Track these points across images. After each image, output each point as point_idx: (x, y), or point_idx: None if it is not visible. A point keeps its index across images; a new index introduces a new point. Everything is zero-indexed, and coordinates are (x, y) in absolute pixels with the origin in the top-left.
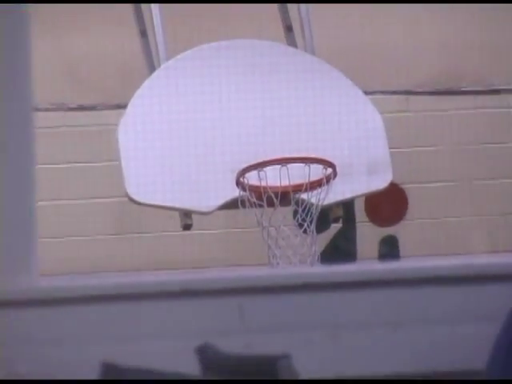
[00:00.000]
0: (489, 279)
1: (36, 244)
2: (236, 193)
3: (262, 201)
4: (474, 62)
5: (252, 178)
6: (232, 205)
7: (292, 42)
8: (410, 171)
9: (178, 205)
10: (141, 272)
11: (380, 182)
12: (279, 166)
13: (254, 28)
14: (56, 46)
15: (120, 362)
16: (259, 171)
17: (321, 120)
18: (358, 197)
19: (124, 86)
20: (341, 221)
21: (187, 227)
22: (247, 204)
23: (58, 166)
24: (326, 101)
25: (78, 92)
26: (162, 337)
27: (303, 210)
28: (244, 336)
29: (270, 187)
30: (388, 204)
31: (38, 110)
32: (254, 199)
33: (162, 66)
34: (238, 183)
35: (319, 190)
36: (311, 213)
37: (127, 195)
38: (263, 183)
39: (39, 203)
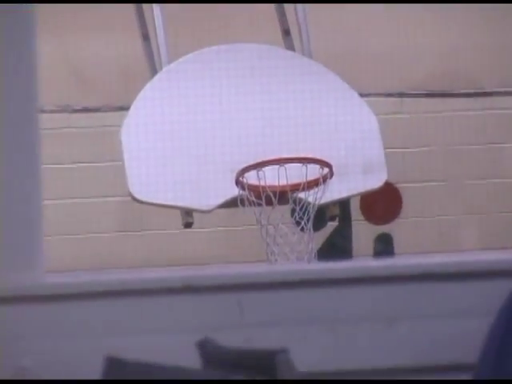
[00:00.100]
0: (479, 275)
1: (42, 242)
2: (235, 192)
3: (261, 200)
4: (467, 65)
5: (251, 178)
6: (232, 203)
7: (290, 46)
8: (404, 171)
9: (179, 203)
10: (143, 268)
11: (375, 182)
12: (277, 166)
13: (253, 32)
14: (61, 50)
15: (123, 356)
16: (258, 171)
17: (318, 121)
18: (353, 196)
19: (127, 89)
20: (337, 219)
21: (188, 225)
22: (246, 203)
23: (63, 166)
24: (322, 103)
25: (82, 94)
26: (164, 331)
27: (301, 209)
28: (243, 331)
29: (269, 186)
30: (383, 203)
31: (43, 111)
32: (253, 198)
33: (164, 69)
34: (238, 183)
35: (316, 189)
36: (308, 211)
37: (130, 194)
38: (262, 183)
39: (45, 202)
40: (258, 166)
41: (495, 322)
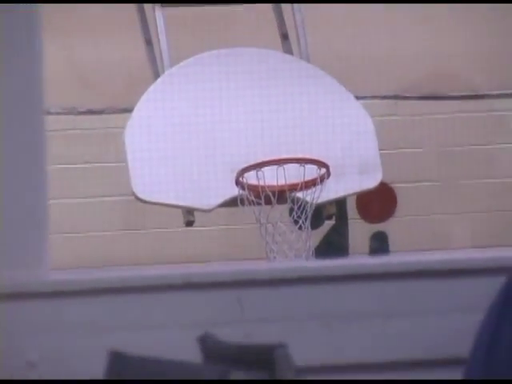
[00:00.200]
0: (471, 272)
1: (47, 240)
2: (235, 191)
3: (260, 199)
4: (460, 68)
5: (251, 178)
6: (232, 203)
7: (288, 50)
8: (399, 171)
9: (181, 203)
10: (145, 266)
11: (371, 182)
12: (276, 167)
13: (252, 37)
14: (67, 54)
15: (126, 351)
16: (257, 171)
17: (315, 123)
18: (349, 195)
19: (130, 92)
20: (334, 218)
21: (190, 224)
22: (246, 202)
23: (68, 167)
24: (320, 105)
25: (87, 97)
26: (166, 327)
27: (299, 208)
28: (243, 326)
29: (268, 186)
30: (378, 202)
31: (49, 113)
32: (253, 197)
33: (166, 73)
34: (238, 182)
35: (314, 188)
36: (306, 210)
37: (133, 194)
38: (261, 182)
39: (50, 201)
40: (258, 166)
41: (486, 318)
